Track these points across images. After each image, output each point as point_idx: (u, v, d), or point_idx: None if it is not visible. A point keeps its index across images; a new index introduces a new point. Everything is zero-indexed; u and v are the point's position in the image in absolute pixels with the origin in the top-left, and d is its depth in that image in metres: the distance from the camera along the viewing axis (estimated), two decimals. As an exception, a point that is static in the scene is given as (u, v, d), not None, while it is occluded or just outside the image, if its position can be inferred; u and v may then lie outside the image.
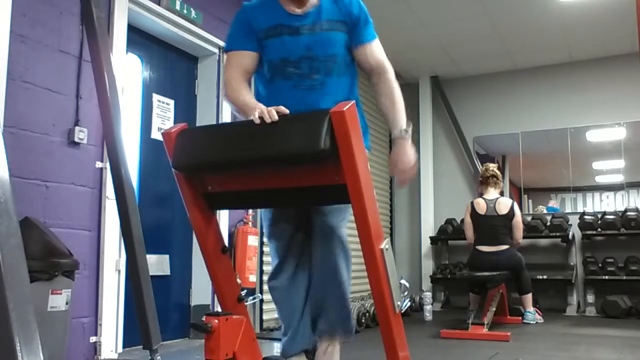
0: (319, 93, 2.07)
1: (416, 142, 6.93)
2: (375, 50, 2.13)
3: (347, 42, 2.09)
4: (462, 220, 5.55)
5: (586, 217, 5.93)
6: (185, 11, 3.79)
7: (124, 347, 3.14)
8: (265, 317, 4.33)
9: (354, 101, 1.52)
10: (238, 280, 3.31)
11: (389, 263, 1.58)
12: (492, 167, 5.07)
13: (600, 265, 5.78)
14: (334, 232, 2.07)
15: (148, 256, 2.56)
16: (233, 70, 2.08)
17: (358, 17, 2.08)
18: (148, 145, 3.70)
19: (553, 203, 6.74)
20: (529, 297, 4.96)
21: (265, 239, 2.34)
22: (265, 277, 4.36)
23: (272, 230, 2.20)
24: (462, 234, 5.45)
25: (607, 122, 6.30)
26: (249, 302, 1.92)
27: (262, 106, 1.79)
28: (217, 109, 4.12)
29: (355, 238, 1.65)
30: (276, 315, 4.41)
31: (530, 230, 5.92)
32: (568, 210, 6.51)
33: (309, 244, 2.20)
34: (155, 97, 3.82)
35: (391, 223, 7.13)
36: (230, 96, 2.02)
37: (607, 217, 5.84)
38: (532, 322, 4.87)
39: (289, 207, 2.15)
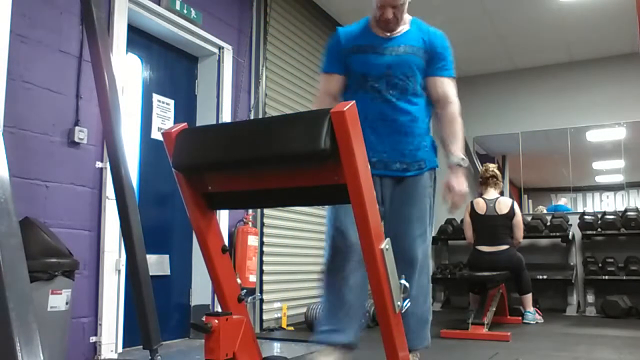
0: (393, 107, 2.29)
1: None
2: (445, 84, 2.34)
3: (424, 68, 2.31)
4: (462, 220, 5.55)
5: (586, 217, 5.93)
6: (185, 11, 3.79)
7: (124, 347, 3.14)
8: (265, 317, 4.33)
9: (354, 101, 1.52)
10: (238, 280, 3.31)
11: (389, 263, 1.58)
12: (492, 167, 5.07)
13: (600, 265, 5.78)
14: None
15: (148, 256, 2.56)
16: (321, 91, 2.46)
17: (439, 52, 2.33)
18: (148, 145, 3.70)
19: (564, 201, 6.73)
20: (529, 297, 4.96)
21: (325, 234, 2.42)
22: (265, 277, 4.37)
23: (337, 229, 2.29)
24: (462, 234, 5.45)
25: (607, 122, 6.30)
26: (249, 302, 1.92)
27: None
28: (217, 109, 4.12)
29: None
30: (276, 315, 4.44)
31: (530, 230, 5.93)
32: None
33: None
34: (155, 97, 3.82)
35: (391, 223, 7.12)
36: None
37: (607, 217, 5.84)
38: (532, 322, 4.87)
39: (289, 206, 2.20)
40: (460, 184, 2.20)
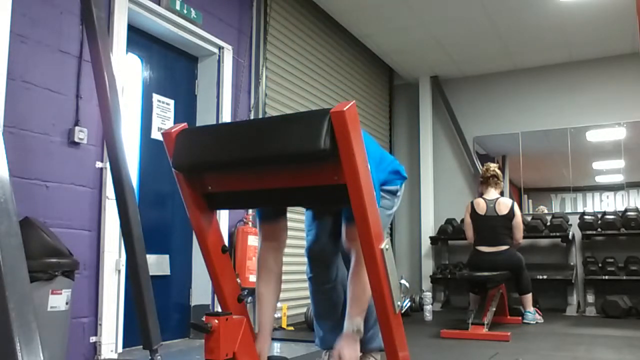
0: None
1: (416, 142, 6.95)
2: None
3: None
4: (462, 220, 5.55)
5: (586, 217, 5.92)
6: (185, 11, 3.79)
7: (124, 347, 3.14)
8: (265, 317, 4.32)
9: (354, 101, 1.53)
10: (238, 280, 3.31)
11: (389, 263, 1.58)
12: (493, 167, 5.06)
13: (600, 265, 5.78)
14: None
15: (148, 256, 2.56)
16: None
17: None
18: (148, 145, 3.70)
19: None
20: (529, 297, 4.96)
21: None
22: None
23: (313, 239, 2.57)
24: (462, 234, 5.45)
25: (607, 122, 6.30)
26: (249, 302, 1.92)
27: None
28: (217, 109, 4.12)
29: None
30: (276, 315, 4.43)
31: (530, 230, 5.92)
32: (568, 210, 6.51)
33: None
34: (155, 97, 3.82)
35: (391, 223, 7.12)
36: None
37: (607, 217, 5.84)
38: (532, 322, 4.87)
39: (289, 206, 2.21)
40: (349, 352, 1.87)
